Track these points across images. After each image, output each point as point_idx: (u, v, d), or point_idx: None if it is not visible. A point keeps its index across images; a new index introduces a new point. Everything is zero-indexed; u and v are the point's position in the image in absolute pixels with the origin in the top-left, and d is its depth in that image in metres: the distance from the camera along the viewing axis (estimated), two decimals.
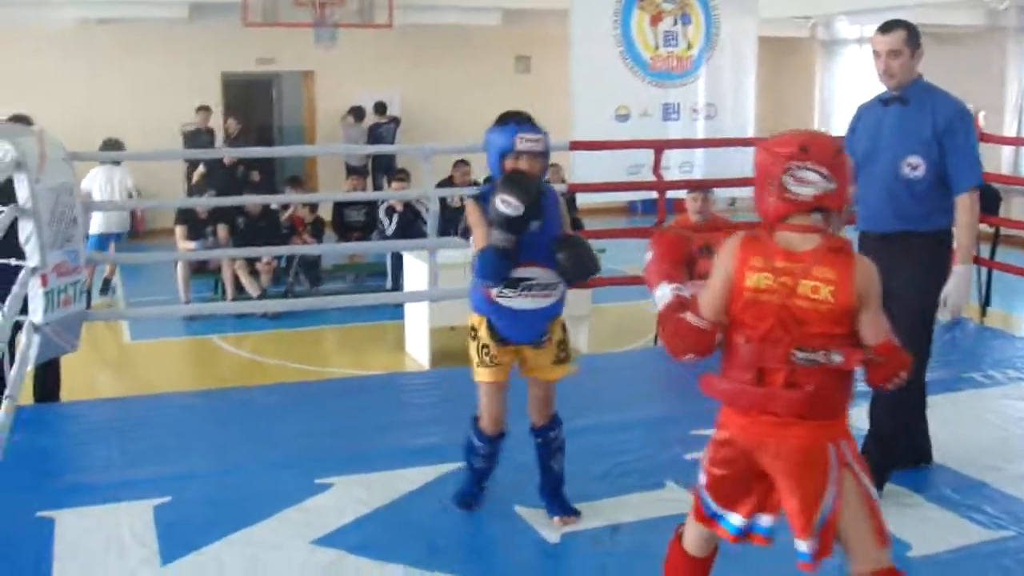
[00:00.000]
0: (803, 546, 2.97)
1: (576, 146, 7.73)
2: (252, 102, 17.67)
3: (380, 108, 16.09)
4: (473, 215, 4.22)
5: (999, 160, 13.51)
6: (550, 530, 4.36)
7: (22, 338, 5.33)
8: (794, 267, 2.90)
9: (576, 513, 4.43)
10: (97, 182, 10.68)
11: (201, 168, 12.40)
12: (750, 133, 12.45)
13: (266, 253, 10.00)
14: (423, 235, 7.39)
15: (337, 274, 11.71)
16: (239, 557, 4.15)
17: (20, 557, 4.14)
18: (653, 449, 5.33)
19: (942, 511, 4.60)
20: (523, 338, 4.24)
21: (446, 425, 5.56)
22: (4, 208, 5.22)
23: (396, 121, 16.08)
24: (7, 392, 4.55)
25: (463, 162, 12.01)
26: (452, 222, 10.87)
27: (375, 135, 15.84)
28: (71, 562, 4.11)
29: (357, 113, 16.05)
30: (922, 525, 4.46)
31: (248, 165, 13.46)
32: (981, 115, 8.05)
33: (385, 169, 15.10)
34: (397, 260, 9.74)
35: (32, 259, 5.47)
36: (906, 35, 4.57)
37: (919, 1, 13.12)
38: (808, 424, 2.93)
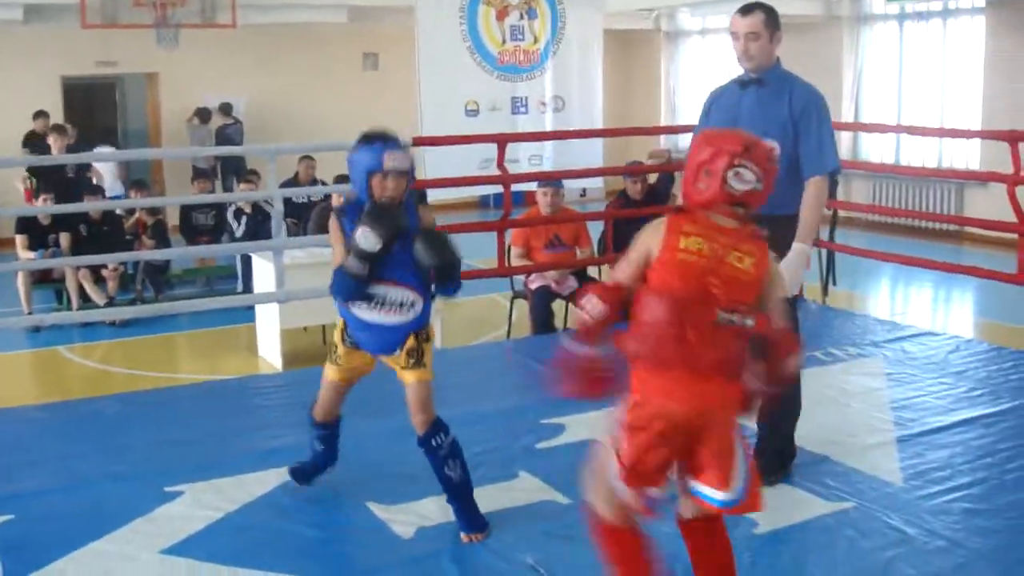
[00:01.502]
0: (722, 495, 3.16)
1: (419, 142, 7.73)
2: (95, 105, 17.24)
3: (226, 109, 15.85)
4: (333, 232, 4.30)
5: (839, 145, 13.93)
6: (404, 526, 4.37)
7: None
8: (725, 238, 3.14)
9: (483, 529, 4.32)
10: None
11: (28, 177, 12.00)
12: (598, 125, 12.62)
13: (111, 260, 9.76)
14: (268, 235, 7.31)
15: (187, 279, 11.51)
16: (87, 572, 4.06)
17: None
18: (506, 440, 5.38)
19: (786, 487, 4.75)
20: (374, 349, 4.33)
21: (299, 427, 5.48)
22: None
23: (243, 127, 15.86)
24: None
25: (308, 157, 11.93)
26: (300, 220, 10.83)
27: (223, 136, 15.60)
28: None
29: (202, 115, 15.78)
30: (768, 501, 4.57)
31: (87, 169, 13.09)
32: None
33: (234, 171, 14.88)
34: (247, 263, 9.62)
35: None
36: (765, 18, 4.65)
37: None
38: (724, 383, 3.10)
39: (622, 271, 3.27)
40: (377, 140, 4.17)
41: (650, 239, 3.19)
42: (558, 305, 8.19)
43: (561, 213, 8.26)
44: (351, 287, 4.14)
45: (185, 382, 7.39)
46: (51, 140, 11.96)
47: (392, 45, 16.76)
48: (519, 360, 6.68)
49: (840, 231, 8.65)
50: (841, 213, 8.75)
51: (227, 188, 15.01)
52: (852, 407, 5.92)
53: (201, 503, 4.62)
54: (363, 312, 4.22)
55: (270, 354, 8.27)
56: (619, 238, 8.15)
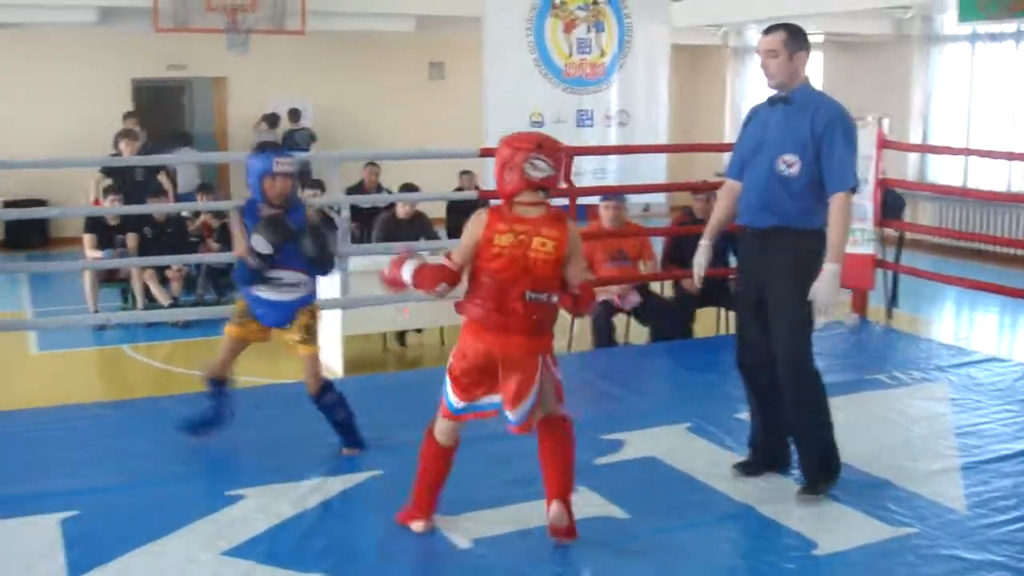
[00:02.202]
0: (513, 416, 4.15)
1: (486, 153, 7.72)
2: (163, 108, 17.44)
3: (294, 115, 15.97)
4: (235, 225, 5.30)
5: (905, 167, 13.78)
6: (461, 536, 4.38)
7: None
8: (528, 228, 4.03)
9: (361, 446, 5.35)
10: None
11: (103, 179, 12.15)
12: (663, 139, 12.58)
13: (175, 261, 9.89)
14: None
15: None
16: (148, 570, 4.11)
17: None
18: None
19: (848, 509, 4.70)
20: (270, 322, 5.28)
21: (360, 432, 5.56)
22: None
23: (310, 131, 15.96)
24: None
25: (373, 164, 12.00)
26: (363, 227, 10.87)
27: (289, 142, 15.73)
28: None
29: (271, 120, 15.92)
30: (828, 524, 4.56)
31: (156, 172, 13.24)
32: (886, 122, 8.23)
33: (299, 176, 15.00)
34: None
35: None
36: (785, 37, 4.74)
37: (827, 10, 13.37)
38: (528, 339, 4.11)
39: (460, 252, 4.12)
40: (268, 148, 5.31)
41: (475, 232, 4.08)
42: (620, 319, 8.18)
43: (625, 227, 8.25)
44: (250, 277, 5.15)
45: (245, 385, 7.44)
46: (121, 144, 12.11)
47: (458, 55, 16.84)
48: (579, 374, 6.66)
49: (905, 253, 8.55)
50: (907, 235, 8.64)
51: None
52: (915, 432, 5.84)
53: (261, 507, 4.65)
54: (263, 292, 5.19)
55: (331, 359, 8.30)
56: (682, 254, 8.13)
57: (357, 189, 11.86)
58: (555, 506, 4.25)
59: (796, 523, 4.53)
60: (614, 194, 8.32)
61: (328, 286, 7.97)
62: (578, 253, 4.18)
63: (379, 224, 9.56)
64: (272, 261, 5.07)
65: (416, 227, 9.41)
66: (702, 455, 5.33)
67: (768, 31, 4.81)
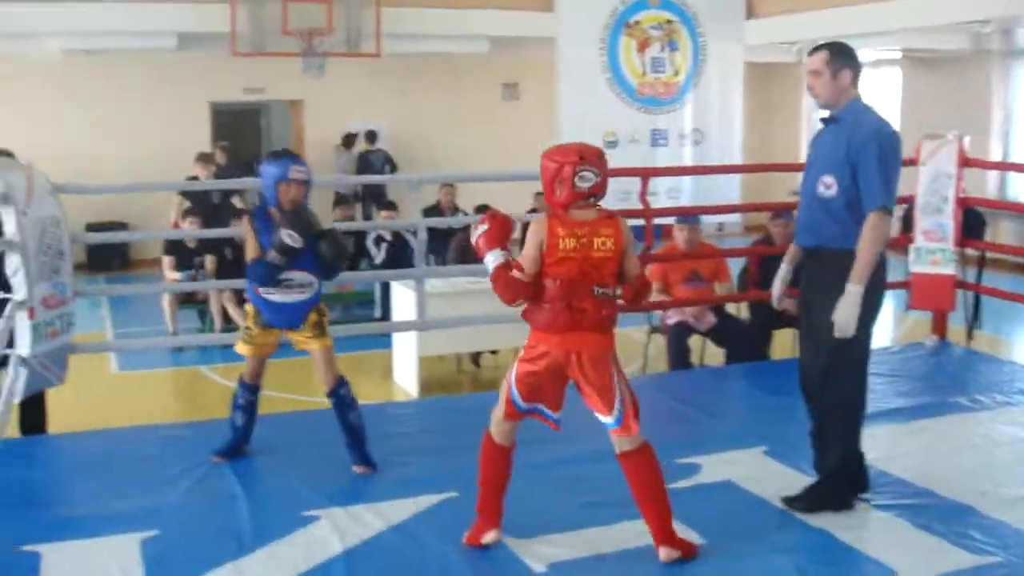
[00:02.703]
0: (609, 419, 4.33)
1: None
2: (240, 131, 17.71)
3: (371, 136, 16.12)
4: (247, 231, 5.38)
5: (984, 184, 13.55)
6: (536, 560, 4.36)
7: (9, 372, 5.33)
8: (587, 231, 4.22)
9: (373, 465, 5.42)
10: None
11: (183, 201, 12.33)
12: (737, 158, 12.53)
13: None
14: (411, 264, 7.38)
15: (326, 304, 11.68)
16: None
17: None
18: None
19: (928, 536, 4.60)
20: (282, 324, 5.43)
21: (433, 455, 5.58)
22: None
23: (386, 154, 16.09)
24: None
25: (449, 185, 12.03)
26: (440, 248, 10.89)
27: (364, 162, 15.87)
28: None
29: (347, 140, 16.10)
30: (908, 550, 4.47)
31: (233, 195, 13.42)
32: (967, 139, 8.09)
33: (375, 197, 15.11)
34: (386, 289, 9.74)
35: (19, 292, 5.47)
36: (827, 56, 4.79)
37: (904, 26, 13.20)
38: (601, 335, 4.30)
39: (528, 263, 4.26)
40: (284, 156, 5.42)
41: (538, 237, 4.24)
42: (695, 340, 8.12)
43: (699, 248, 8.19)
44: (271, 275, 5.24)
45: (321, 406, 7.50)
46: (197, 169, 12.30)
47: (532, 75, 16.89)
48: (655, 397, 6.61)
49: (986, 273, 8.40)
50: (988, 255, 8.49)
51: (367, 215, 15.25)
52: (998, 456, 5.72)
53: (338, 529, 4.67)
54: (273, 296, 5.32)
55: (406, 381, 8.35)
56: (760, 276, 8.06)
57: (433, 210, 11.90)
58: (663, 552, 4.36)
59: (875, 551, 4.45)
60: (688, 215, 8.26)
61: (404, 308, 8.02)
62: (631, 247, 4.37)
63: (454, 245, 9.60)
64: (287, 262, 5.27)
65: None
66: (779, 479, 5.26)
67: (811, 52, 4.89)
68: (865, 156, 4.64)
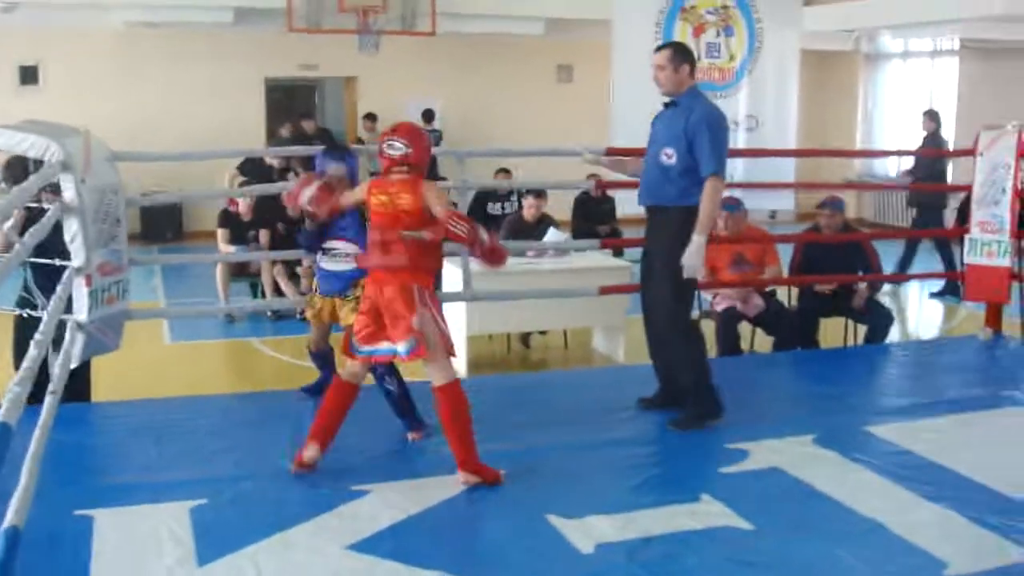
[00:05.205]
0: (401, 347, 4.88)
1: (612, 153, 7.68)
2: (294, 107, 17.78)
3: (428, 115, 16.12)
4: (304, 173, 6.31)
5: None
6: (583, 540, 4.36)
7: (66, 336, 5.39)
8: (394, 188, 4.95)
9: (421, 428, 5.60)
10: None
11: (237, 175, 12.38)
12: (791, 145, 12.42)
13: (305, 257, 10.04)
14: None
15: None
16: (275, 560, 4.17)
17: (59, 554, 4.19)
18: (688, 462, 5.34)
19: (981, 530, 4.55)
20: (332, 291, 5.75)
21: (482, 434, 5.55)
22: (50, 207, 5.29)
23: (440, 133, 16.09)
24: (50, 388, 4.60)
25: (504, 170, 11.98)
26: (494, 228, 10.89)
27: None
28: (109, 560, 4.15)
29: (371, 117, 16.11)
30: (960, 544, 4.42)
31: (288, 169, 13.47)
32: None
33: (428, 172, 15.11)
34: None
35: (77, 258, 5.53)
36: (671, 53, 5.80)
37: (961, 16, 13.03)
38: (404, 273, 4.88)
39: (347, 198, 5.34)
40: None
41: (359, 194, 5.19)
42: (745, 328, 8.09)
43: (745, 232, 8.12)
44: (311, 240, 5.72)
45: (370, 382, 7.54)
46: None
47: (587, 58, 16.84)
48: None
49: None
50: None
51: None
52: None
53: (386, 503, 4.70)
54: (324, 263, 5.73)
55: (455, 360, 8.36)
56: (810, 264, 8.01)
57: (491, 193, 11.88)
58: (460, 476, 4.94)
59: (926, 542, 4.41)
60: (730, 203, 8.13)
61: (451, 283, 8.03)
62: (433, 197, 4.95)
63: (505, 225, 9.61)
64: (327, 232, 5.65)
65: (542, 228, 9.43)
66: (827, 467, 5.22)
67: (657, 49, 5.93)
68: (700, 133, 5.60)
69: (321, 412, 5.13)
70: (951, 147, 13.75)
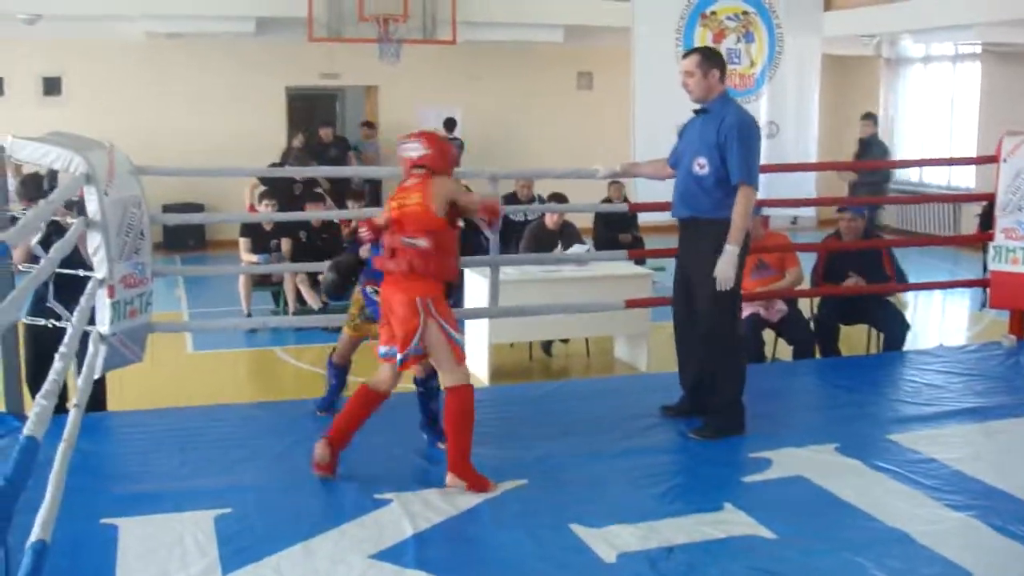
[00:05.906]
0: (399, 354, 4.93)
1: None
2: (315, 116, 17.85)
3: (450, 124, 16.14)
4: None
5: None
6: (606, 549, 4.36)
7: (89, 348, 5.42)
8: (406, 192, 5.01)
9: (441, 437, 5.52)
10: None
11: (258, 184, 12.43)
12: (813, 152, 12.37)
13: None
14: (484, 251, 7.39)
15: None
16: (298, 569, 4.18)
17: (84, 562, 4.21)
18: (711, 470, 5.32)
19: (1005, 540, 4.52)
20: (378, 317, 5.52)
21: (504, 443, 5.59)
22: (74, 220, 5.32)
23: (461, 142, 16.11)
24: (74, 400, 4.62)
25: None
26: (512, 237, 10.90)
27: None
28: (133, 568, 4.17)
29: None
30: (984, 554, 4.40)
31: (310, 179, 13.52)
32: None
33: None
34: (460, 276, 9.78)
35: (100, 271, 5.56)
36: (699, 59, 5.66)
37: (984, 19, 12.97)
38: (408, 281, 4.91)
39: (382, 218, 5.15)
40: None
41: (385, 210, 5.15)
42: (769, 335, 8.07)
43: (766, 238, 8.10)
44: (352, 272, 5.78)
45: (401, 390, 7.56)
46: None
47: (607, 65, 16.84)
48: None
49: None
50: None
51: None
52: None
53: (409, 512, 4.70)
54: (374, 295, 5.54)
55: (477, 368, 8.37)
56: (831, 272, 7.98)
57: (512, 199, 11.89)
58: (448, 478, 5.03)
59: (952, 552, 4.38)
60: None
61: (476, 295, 8.05)
62: (439, 194, 4.97)
63: (527, 234, 9.61)
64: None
65: (564, 237, 9.44)
66: (850, 476, 5.21)
67: (684, 55, 5.83)
68: (732, 141, 5.48)
69: (341, 416, 5.20)
70: (975, 153, 13.69)
